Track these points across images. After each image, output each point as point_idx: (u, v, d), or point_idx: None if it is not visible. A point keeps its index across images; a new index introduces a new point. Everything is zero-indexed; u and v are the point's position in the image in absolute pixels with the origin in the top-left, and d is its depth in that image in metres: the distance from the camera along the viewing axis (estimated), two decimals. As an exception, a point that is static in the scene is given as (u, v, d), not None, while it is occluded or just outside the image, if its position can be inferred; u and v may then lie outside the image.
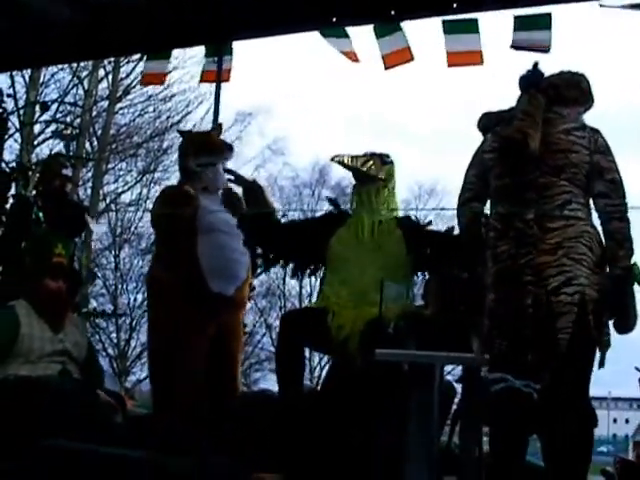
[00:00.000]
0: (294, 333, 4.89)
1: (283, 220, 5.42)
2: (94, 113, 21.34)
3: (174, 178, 21.52)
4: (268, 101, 38.56)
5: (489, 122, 4.54)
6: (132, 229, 23.33)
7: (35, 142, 18.13)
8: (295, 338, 4.89)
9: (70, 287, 5.53)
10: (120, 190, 22.43)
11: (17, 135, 15.70)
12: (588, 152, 4.24)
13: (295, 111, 41.26)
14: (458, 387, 5.34)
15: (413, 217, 5.22)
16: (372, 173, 5.12)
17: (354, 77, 39.05)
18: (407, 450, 4.24)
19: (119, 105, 22.02)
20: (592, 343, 4.07)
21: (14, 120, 10.50)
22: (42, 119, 17.21)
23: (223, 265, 5.52)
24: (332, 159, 5.13)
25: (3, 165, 7.30)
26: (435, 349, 4.20)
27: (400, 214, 5.25)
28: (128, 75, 21.37)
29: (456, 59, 5.96)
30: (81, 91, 20.56)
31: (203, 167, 5.70)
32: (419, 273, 5.08)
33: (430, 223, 5.15)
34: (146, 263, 21.82)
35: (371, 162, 5.13)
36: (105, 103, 21.60)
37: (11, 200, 6.90)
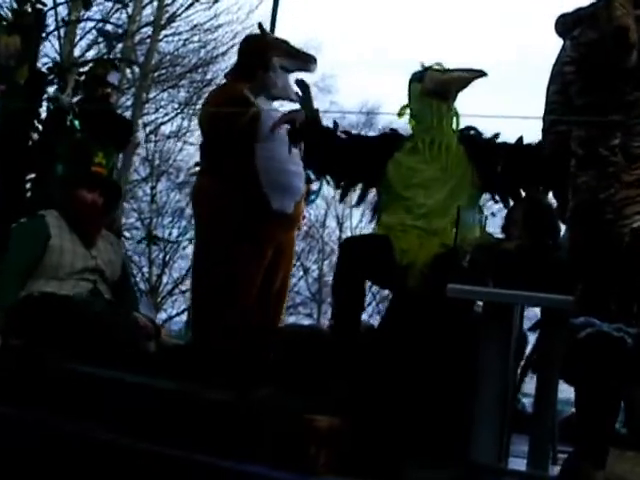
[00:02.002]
0: (354, 262, 4.42)
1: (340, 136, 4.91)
2: (136, 39, 20.81)
3: (217, 111, 21.25)
4: (319, 37, 37.61)
5: (565, 25, 3.94)
6: (170, 161, 22.91)
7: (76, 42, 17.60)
8: (355, 268, 4.42)
9: (108, 201, 5.09)
10: (160, 121, 21.99)
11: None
12: None
13: (346, 50, 40.36)
14: (530, 336, 4.91)
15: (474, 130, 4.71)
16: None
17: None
18: (477, 403, 3.78)
19: (163, 33, 21.45)
20: None
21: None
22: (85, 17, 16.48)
23: (284, 179, 5.04)
24: (432, 65, 4.66)
25: (40, 65, 6.74)
26: (516, 288, 3.72)
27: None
28: (174, 1, 20.80)
29: None
30: (124, 16, 20.01)
31: (284, 71, 5.20)
32: (494, 200, 4.59)
33: (497, 135, 4.62)
34: (183, 197, 21.56)
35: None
36: (149, 30, 21.05)
37: (45, 104, 6.38)
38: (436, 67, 4.65)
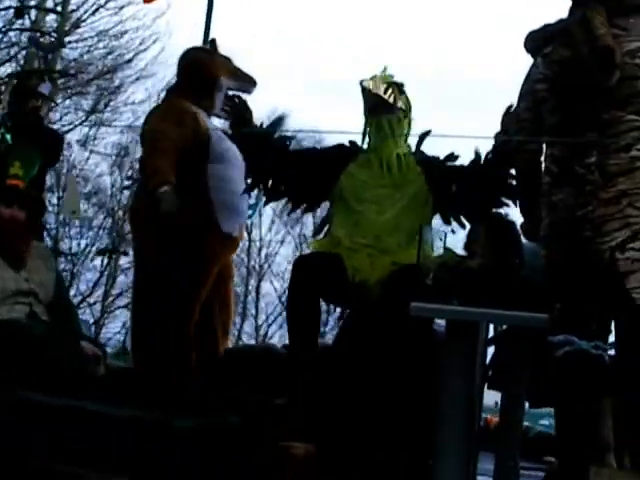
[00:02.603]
0: (307, 281, 4.36)
1: (289, 147, 4.86)
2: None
3: (124, 119, 20.99)
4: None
5: (536, 42, 3.94)
6: (77, 170, 22.52)
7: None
8: (308, 286, 4.36)
9: (30, 215, 4.79)
10: (66, 129, 21.58)
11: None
12: None
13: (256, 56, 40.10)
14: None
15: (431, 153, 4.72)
16: (393, 101, 4.63)
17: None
18: (441, 424, 3.73)
19: (68, 39, 21.08)
20: None
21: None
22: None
23: (232, 202, 4.95)
24: (360, 82, 4.57)
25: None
26: (481, 305, 3.69)
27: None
28: (79, 7, 20.50)
29: None
30: (27, 22, 19.62)
31: (225, 90, 5.11)
32: (451, 218, 4.59)
33: (455, 158, 4.61)
34: (91, 207, 21.24)
35: (391, 90, 4.64)
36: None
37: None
38: (365, 83, 4.61)
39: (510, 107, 4.15)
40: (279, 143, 4.79)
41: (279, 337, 25.48)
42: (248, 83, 5.20)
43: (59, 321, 4.79)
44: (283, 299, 26.07)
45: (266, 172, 4.82)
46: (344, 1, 36.53)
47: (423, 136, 4.70)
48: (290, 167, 4.73)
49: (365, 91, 4.59)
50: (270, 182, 4.82)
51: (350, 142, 4.81)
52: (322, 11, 38.67)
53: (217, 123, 5.29)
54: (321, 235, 4.83)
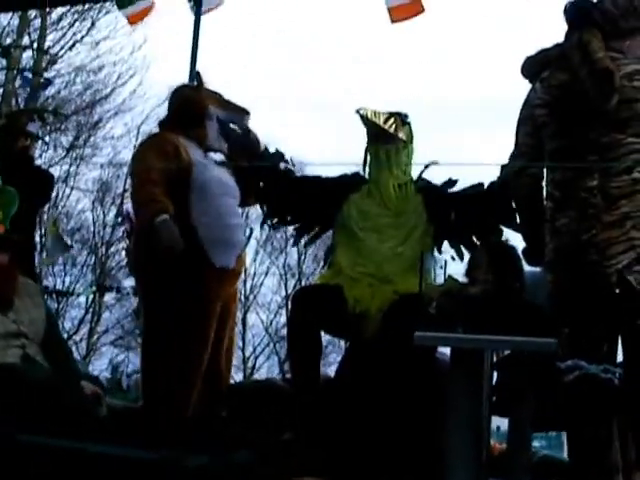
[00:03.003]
0: (308, 313, 4.37)
1: (291, 176, 4.90)
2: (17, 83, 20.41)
3: (104, 155, 20.97)
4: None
5: (533, 67, 3.97)
6: (59, 208, 22.46)
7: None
8: (309, 319, 4.37)
9: (15, 257, 4.70)
10: (45, 166, 21.53)
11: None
12: None
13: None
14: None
15: (432, 180, 4.76)
16: (393, 132, 4.66)
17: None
18: (449, 454, 3.72)
19: (45, 75, 21.05)
20: None
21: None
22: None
23: (222, 235, 4.89)
24: (357, 111, 4.60)
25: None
26: (485, 332, 3.69)
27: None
28: (55, 43, 20.51)
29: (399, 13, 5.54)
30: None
31: (218, 121, 5.10)
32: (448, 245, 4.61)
33: (453, 183, 4.65)
34: (74, 243, 21.14)
35: (392, 120, 4.67)
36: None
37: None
38: (362, 111, 4.63)
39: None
40: (282, 172, 4.81)
41: (267, 369, 25.42)
42: (240, 114, 5.19)
43: (54, 361, 4.71)
44: (270, 330, 26.02)
45: (274, 200, 4.82)
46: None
47: (427, 166, 4.72)
48: (295, 194, 4.77)
49: (363, 119, 4.61)
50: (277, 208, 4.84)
51: (354, 173, 4.83)
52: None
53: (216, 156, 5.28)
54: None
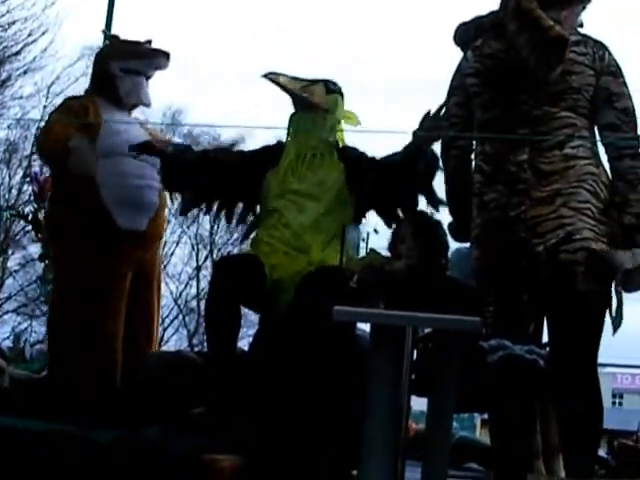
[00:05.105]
0: (226, 284, 4.29)
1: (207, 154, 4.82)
2: None
3: (12, 114, 20.54)
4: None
5: (467, 34, 3.92)
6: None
7: None
8: (228, 289, 4.28)
9: None
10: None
11: None
12: (593, 73, 3.67)
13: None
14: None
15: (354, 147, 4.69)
16: (311, 100, 4.58)
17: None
18: (366, 433, 3.68)
19: (-49, 29, 20.58)
20: (603, 305, 3.59)
21: None
22: None
23: (131, 194, 4.84)
24: (265, 75, 4.54)
25: None
26: (408, 309, 3.65)
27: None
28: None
29: None
30: None
31: (126, 73, 5.01)
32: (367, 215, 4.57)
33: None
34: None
35: (313, 87, 4.58)
36: None
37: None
38: (272, 76, 4.58)
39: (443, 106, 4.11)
40: (194, 154, 4.75)
41: (175, 342, 25.24)
42: (147, 60, 5.09)
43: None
44: (179, 302, 25.85)
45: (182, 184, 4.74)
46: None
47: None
48: (213, 175, 4.66)
49: (275, 83, 4.55)
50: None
51: (278, 142, 4.75)
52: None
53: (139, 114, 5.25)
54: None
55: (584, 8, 3.89)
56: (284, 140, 4.70)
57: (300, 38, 38.24)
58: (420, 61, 37.78)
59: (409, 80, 36.53)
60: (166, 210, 5.22)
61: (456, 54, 3.96)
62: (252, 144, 5.11)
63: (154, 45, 5.12)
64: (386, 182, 4.39)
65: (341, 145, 4.64)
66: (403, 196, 4.40)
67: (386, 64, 34.31)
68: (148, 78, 5.13)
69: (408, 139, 4.21)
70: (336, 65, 25.72)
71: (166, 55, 5.12)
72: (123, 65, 5.02)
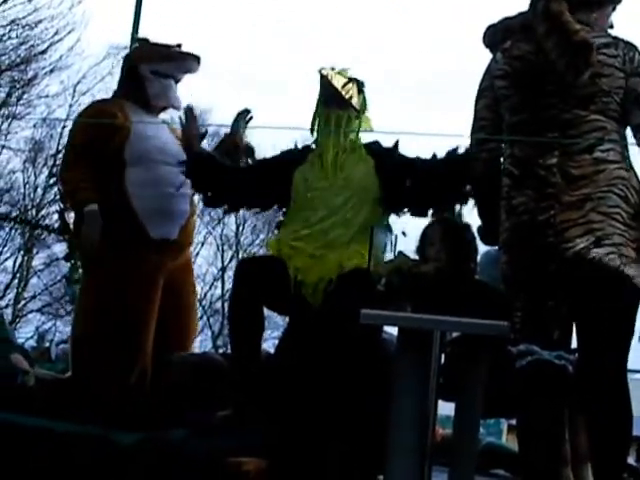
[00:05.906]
0: (250, 287, 4.29)
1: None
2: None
3: (38, 113, 20.64)
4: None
5: (495, 36, 3.89)
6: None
7: None
8: (251, 293, 4.28)
9: None
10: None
11: None
12: (623, 75, 3.61)
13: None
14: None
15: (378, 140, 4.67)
16: (348, 98, 4.57)
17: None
18: (392, 438, 3.67)
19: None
20: (633, 310, 3.56)
21: None
22: None
23: (160, 205, 4.83)
24: (319, 71, 4.53)
25: None
26: (436, 313, 3.64)
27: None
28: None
29: None
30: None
31: (156, 76, 5.01)
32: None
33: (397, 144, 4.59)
34: (3, 205, 20.86)
35: (350, 85, 4.58)
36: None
37: None
38: (324, 72, 4.55)
39: None
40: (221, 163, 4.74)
41: (199, 343, 25.28)
42: (177, 64, 5.08)
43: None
44: (204, 303, 25.87)
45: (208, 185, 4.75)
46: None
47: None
48: (239, 183, 4.67)
49: (323, 79, 4.54)
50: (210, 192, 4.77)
51: (302, 146, 4.76)
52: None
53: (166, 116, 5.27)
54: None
55: (614, 9, 3.86)
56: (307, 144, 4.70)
57: (300, 28, 38.17)
58: (420, 51, 37.61)
59: (409, 71, 36.31)
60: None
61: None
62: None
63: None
64: (427, 184, 4.39)
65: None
66: (440, 198, 4.40)
67: (386, 54, 34.09)
68: (177, 81, 5.12)
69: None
70: (336, 55, 25.72)
71: (197, 59, 5.12)
72: (153, 67, 5.01)
